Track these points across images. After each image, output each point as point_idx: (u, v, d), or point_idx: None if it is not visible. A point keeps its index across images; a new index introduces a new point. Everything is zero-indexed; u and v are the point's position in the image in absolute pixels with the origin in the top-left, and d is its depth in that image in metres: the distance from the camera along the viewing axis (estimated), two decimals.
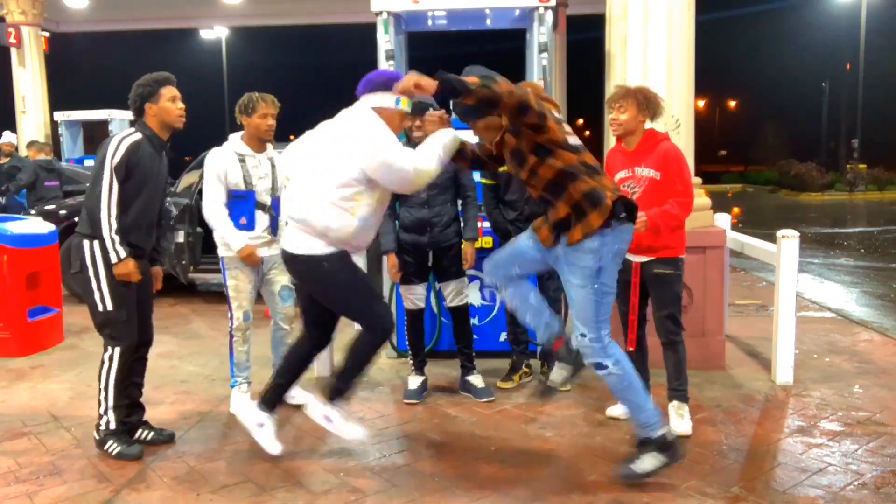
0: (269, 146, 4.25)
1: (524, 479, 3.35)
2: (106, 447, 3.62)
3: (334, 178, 3.24)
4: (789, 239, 4.60)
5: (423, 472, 3.45)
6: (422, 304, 4.49)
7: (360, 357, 3.45)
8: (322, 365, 4.90)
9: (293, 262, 3.40)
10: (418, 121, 4.16)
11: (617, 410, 4.10)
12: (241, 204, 4.12)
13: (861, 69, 29.41)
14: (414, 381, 4.53)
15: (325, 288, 3.42)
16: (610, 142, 5.26)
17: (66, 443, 3.86)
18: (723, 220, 5.69)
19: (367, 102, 3.37)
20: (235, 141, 4.17)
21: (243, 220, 4.12)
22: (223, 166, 4.09)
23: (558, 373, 3.39)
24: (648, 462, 3.26)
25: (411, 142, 4.24)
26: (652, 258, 3.83)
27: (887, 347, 5.60)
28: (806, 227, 15.38)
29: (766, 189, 30.84)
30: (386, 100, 3.35)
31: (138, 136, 3.52)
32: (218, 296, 7.89)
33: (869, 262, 11.02)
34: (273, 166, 4.21)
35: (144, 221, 3.60)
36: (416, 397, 4.44)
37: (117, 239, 3.44)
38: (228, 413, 4.23)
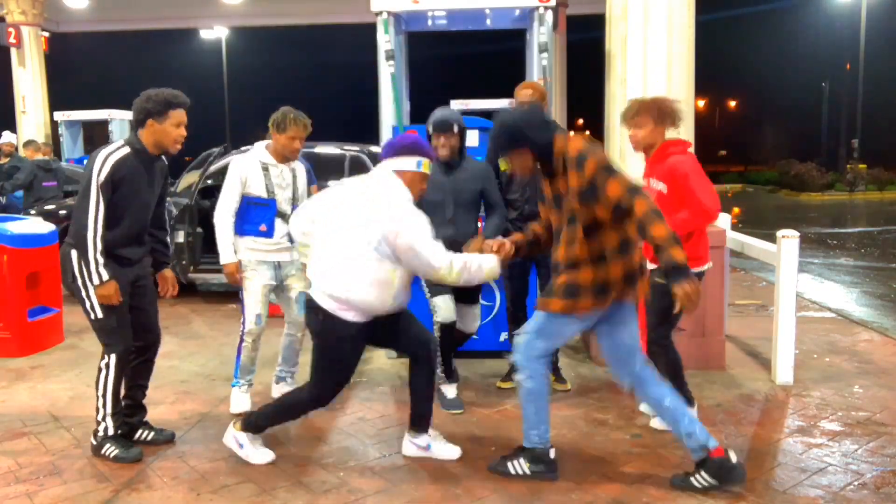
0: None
1: (524, 478, 3.35)
2: (103, 451, 3.61)
3: (372, 255, 3.23)
4: (789, 239, 4.60)
5: (423, 472, 3.45)
6: (452, 317, 4.27)
7: (290, 405, 3.52)
8: None
9: (315, 311, 3.36)
10: (442, 138, 4.18)
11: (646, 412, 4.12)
12: (263, 211, 4.17)
13: (861, 69, 29.39)
14: (450, 391, 4.39)
15: (322, 341, 3.40)
16: (611, 143, 5.27)
17: (66, 443, 3.86)
18: (723, 220, 5.68)
19: (390, 166, 3.41)
20: (261, 150, 4.22)
21: (263, 227, 4.17)
22: (246, 174, 4.14)
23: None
24: (526, 468, 3.35)
25: (436, 160, 4.18)
26: (657, 266, 3.80)
27: (887, 347, 5.60)
28: (806, 227, 15.38)
29: (766, 189, 30.81)
30: (408, 163, 3.40)
31: (126, 150, 3.49)
32: (218, 296, 7.90)
33: (869, 262, 11.03)
34: (294, 177, 4.27)
35: (133, 233, 3.59)
36: (458, 406, 4.30)
37: (101, 261, 3.43)
38: (228, 413, 4.22)
